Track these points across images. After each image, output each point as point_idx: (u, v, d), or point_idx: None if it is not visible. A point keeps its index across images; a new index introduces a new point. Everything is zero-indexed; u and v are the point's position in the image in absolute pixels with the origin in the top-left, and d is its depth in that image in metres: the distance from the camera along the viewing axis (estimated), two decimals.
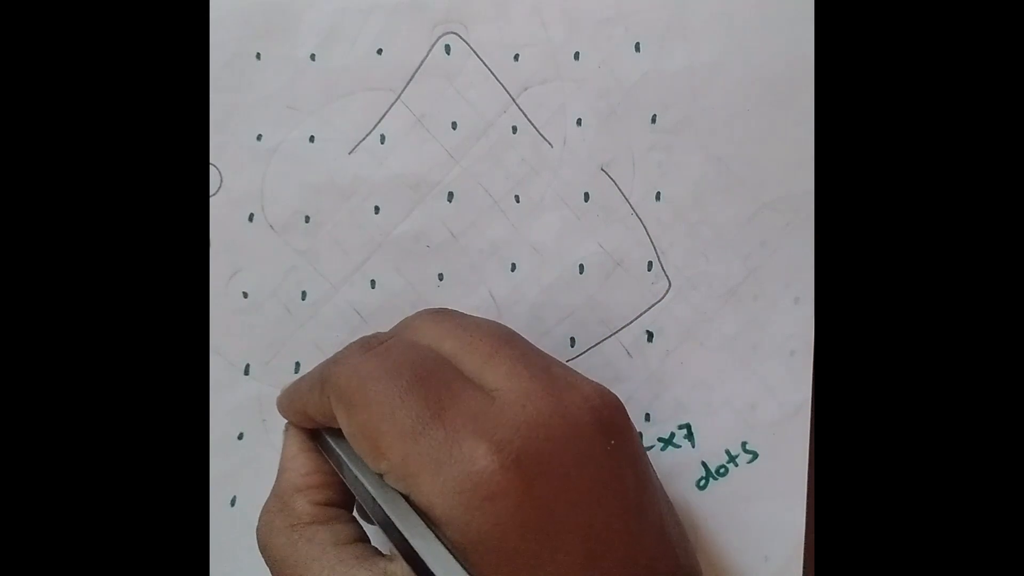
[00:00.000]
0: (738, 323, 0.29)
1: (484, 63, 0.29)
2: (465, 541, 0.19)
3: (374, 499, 0.21)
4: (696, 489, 0.30)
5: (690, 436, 0.30)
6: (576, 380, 0.22)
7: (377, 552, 0.22)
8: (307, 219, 0.30)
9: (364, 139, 0.29)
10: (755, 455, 0.29)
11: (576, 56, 0.29)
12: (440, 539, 0.19)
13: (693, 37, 0.29)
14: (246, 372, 0.30)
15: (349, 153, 0.29)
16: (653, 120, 0.29)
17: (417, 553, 0.19)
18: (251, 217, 0.30)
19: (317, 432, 0.25)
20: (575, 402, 0.21)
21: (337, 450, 0.23)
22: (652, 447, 0.30)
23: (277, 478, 0.25)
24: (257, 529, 0.24)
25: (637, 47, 0.29)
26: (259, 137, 0.29)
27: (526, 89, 0.29)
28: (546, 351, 0.29)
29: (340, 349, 0.25)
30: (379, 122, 0.29)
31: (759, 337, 0.29)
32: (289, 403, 0.26)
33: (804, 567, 0.29)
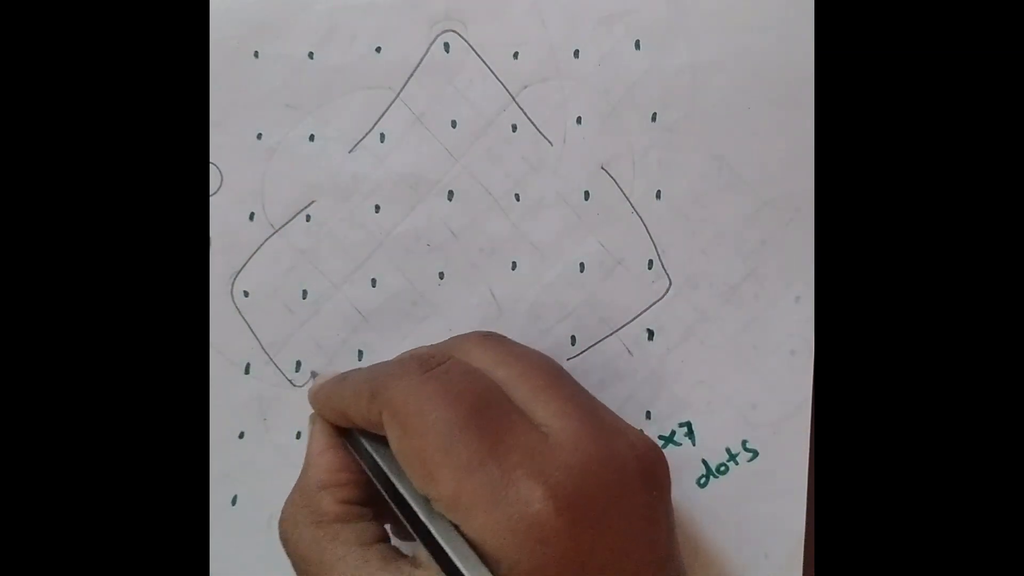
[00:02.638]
0: (739, 322, 0.29)
1: (483, 61, 0.29)
2: None
3: (420, 519, 0.21)
4: (696, 487, 0.30)
5: (691, 434, 0.30)
6: (622, 425, 0.23)
7: (400, 554, 0.22)
8: (308, 218, 0.30)
9: (364, 138, 0.29)
10: (755, 453, 0.29)
11: (576, 54, 0.29)
12: (490, 572, 0.20)
13: (693, 35, 0.29)
14: (246, 371, 0.30)
15: (349, 152, 0.29)
16: (653, 118, 0.29)
17: None
18: (252, 216, 0.30)
19: (348, 431, 0.25)
20: (623, 450, 0.22)
21: (376, 457, 0.23)
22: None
23: (303, 472, 0.25)
24: (280, 521, 0.24)
25: (637, 45, 0.29)
26: (259, 136, 0.29)
27: (526, 87, 0.29)
28: (547, 349, 0.30)
29: (394, 359, 0.25)
30: (379, 120, 0.29)
31: (760, 336, 0.29)
32: (327, 400, 0.25)
33: (804, 565, 0.29)
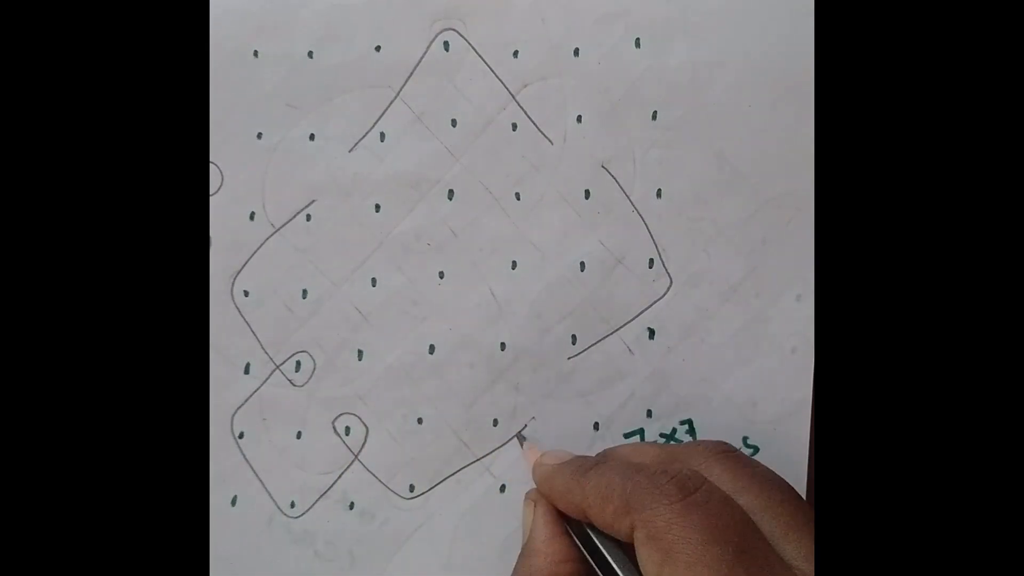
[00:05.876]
0: (739, 320, 0.29)
1: (483, 60, 0.29)
2: None
3: None
4: None
5: (692, 432, 0.30)
6: None
7: None
8: (308, 217, 0.30)
9: (364, 137, 0.29)
10: (756, 450, 0.29)
11: (576, 52, 0.29)
12: None
13: (693, 33, 0.29)
14: (246, 371, 0.30)
15: (349, 151, 0.29)
16: (654, 117, 0.29)
17: None
18: (252, 215, 0.29)
19: (575, 521, 0.25)
20: None
21: (608, 556, 0.23)
22: (654, 443, 0.30)
23: (526, 558, 0.25)
24: None
25: (637, 43, 0.29)
26: (259, 135, 0.29)
27: (526, 86, 0.29)
28: (548, 349, 0.30)
29: (640, 471, 0.23)
30: (379, 120, 0.29)
31: (760, 334, 0.29)
32: (564, 492, 0.25)
33: None
